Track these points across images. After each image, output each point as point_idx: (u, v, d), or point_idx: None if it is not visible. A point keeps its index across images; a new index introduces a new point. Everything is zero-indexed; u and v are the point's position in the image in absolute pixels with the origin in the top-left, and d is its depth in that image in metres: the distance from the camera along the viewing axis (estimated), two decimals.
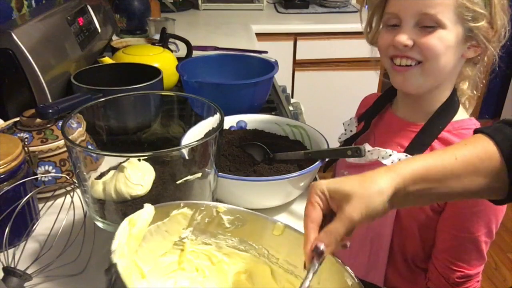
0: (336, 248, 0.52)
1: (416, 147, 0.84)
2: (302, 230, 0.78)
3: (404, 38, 0.80)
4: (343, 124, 1.03)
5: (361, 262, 0.92)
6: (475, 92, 0.89)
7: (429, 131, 0.84)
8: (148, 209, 0.55)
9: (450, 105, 0.85)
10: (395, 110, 0.94)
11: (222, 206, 0.61)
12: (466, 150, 0.56)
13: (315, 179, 1.10)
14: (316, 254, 0.51)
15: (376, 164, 0.86)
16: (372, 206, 0.52)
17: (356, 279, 0.51)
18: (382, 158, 0.85)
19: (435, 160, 0.55)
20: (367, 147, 0.89)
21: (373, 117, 0.97)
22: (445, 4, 0.77)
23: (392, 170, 0.55)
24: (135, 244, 0.54)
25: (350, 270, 0.52)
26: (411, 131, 0.87)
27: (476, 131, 0.59)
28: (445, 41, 0.78)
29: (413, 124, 0.88)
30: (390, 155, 0.85)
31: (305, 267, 0.52)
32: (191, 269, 0.62)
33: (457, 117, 0.85)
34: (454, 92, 0.86)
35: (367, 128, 0.97)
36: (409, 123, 0.89)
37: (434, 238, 0.87)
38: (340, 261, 0.54)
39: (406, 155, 0.83)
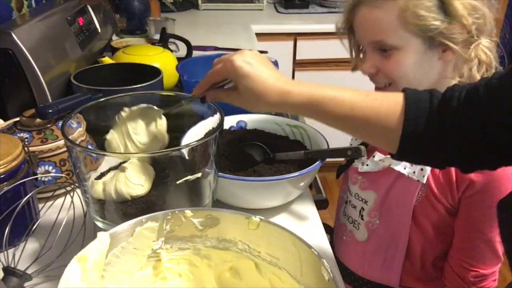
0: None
1: None
2: (301, 232, 0.79)
3: (367, 67, 0.82)
4: None
5: (376, 264, 0.92)
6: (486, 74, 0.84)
7: None
8: (102, 238, 0.54)
9: None
10: None
11: (188, 211, 0.59)
12: (378, 100, 0.59)
13: (315, 181, 1.11)
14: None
15: (389, 171, 0.86)
16: (260, 73, 0.63)
17: (331, 275, 0.50)
18: (395, 165, 0.85)
19: (335, 95, 0.61)
20: (378, 156, 0.89)
21: None
22: (391, 27, 0.76)
23: (295, 84, 0.63)
24: (96, 274, 0.53)
25: (326, 264, 0.51)
26: None
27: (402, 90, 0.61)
28: (404, 61, 0.78)
29: None
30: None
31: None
32: (173, 277, 0.62)
33: None
34: (461, 83, 0.84)
35: None
36: None
37: (450, 239, 0.88)
38: (316, 253, 0.53)
39: None
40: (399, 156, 0.60)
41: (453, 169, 0.80)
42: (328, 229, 1.00)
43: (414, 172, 0.83)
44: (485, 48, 0.80)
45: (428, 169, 0.82)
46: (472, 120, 0.53)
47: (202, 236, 0.61)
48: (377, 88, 0.85)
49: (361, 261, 0.96)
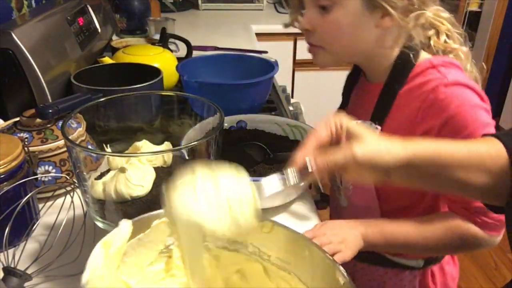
0: (323, 176, 0.55)
1: (379, 111, 0.83)
2: (301, 230, 0.79)
3: (303, 24, 0.81)
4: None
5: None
6: (448, 40, 0.84)
7: (387, 94, 0.82)
8: (125, 226, 0.54)
9: (401, 66, 0.81)
10: (365, 74, 0.92)
11: None
12: (479, 145, 0.56)
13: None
14: (303, 167, 0.54)
15: None
16: (378, 158, 0.54)
17: (347, 278, 0.50)
18: None
19: (448, 146, 0.56)
20: None
21: (349, 88, 0.96)
22: None
23: (407, 141, 0.56)
24: (115, 263, 0.53)
25: (341, 268, 0.51)
26: (375, 92, 0.85)
27: (484, 135, 0.59)
28: (340, 20, 0.77)
29: (375, 84, 0.86)
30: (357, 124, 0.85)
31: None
32: (181, 275, 0.61)
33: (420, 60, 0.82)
34: (404, 53, 0.81)
35: (346, 104, 0.96)
36: (372, 84, 0.88)
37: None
38: (331, 257, 0.53)
39: (371, 123, 0.82)
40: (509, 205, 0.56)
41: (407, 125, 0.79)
42: None
43: None
44: (437, 17, 0.81)
45: (377, 131, 0.81)
46: None
47: None
48: (309, 48, 0.84)
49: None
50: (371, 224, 0.80)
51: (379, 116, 0.82)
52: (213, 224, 0.50)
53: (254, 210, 0.52)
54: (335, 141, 0.58)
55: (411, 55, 0.80)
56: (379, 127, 0.82)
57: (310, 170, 0.54)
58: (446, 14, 0.84)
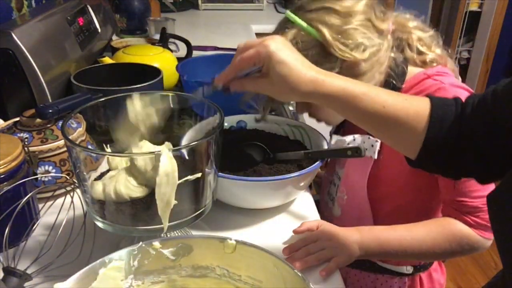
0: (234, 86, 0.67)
1: None
2: (300, 228, 0.79)
3: (299, 111, 0.90)
4: None
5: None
6: (422, 48, 0.86)
7: None
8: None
9: (394, 78, 0.84)
10: None
11: (156, 243, 0.55)
12: (406, 102, 0.59)
13: (317, 177, 1.11)
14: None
15: None
16: (294, 79, 0.61)
17: None
18: (348, 145, 0.87)
19: (375, 90, 0.61)
20: (334, 138, 0.92)
21: None
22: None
23: (332, 74, 0.63)
24: None
25: (311, 286, 0.49)
26: None
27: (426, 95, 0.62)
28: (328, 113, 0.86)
29: None
30: (354, 139, 0.87)
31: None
32: None
33: (409, 75, 0.85)
34: (393, 65, 0.84)
35: (343, 124, 0.97)
36: None
37: (414, 190, 0.88)
38: (300, 274, 0.50)
39: (369, 137, 0.84)
40: (418, 161, 0.59)
41: None
42: None
43: (366, 149, 0.84)
44: (404, 30, 0.85)
45: (377, 144, 0.84)
46: (481, 127, 0.53)
47: (175, 266, 0.57)
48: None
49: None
50: (366, 231, 0.80)
51: None
52: None
53: None
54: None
55: (400, 69, 0.84)
56: (378, 140, 0.83)
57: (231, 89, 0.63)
58: (413, 23, 0.86)
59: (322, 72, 0.62)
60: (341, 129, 0.98)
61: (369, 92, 0.60)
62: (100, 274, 0.52)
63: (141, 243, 0.55)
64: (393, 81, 0.84)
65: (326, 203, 1.01)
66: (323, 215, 1.03)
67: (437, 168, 0.62)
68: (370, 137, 0.84)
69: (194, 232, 0.79)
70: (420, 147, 0.58)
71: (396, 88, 0.83)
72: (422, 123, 0.57)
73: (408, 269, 0.94)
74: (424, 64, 0.87)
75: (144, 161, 0.65)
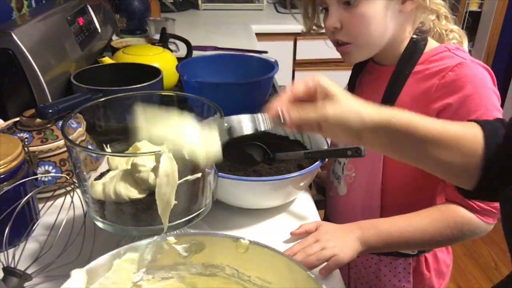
0: (292, 127, 0.59)
1: (390, 92, 0.84)
2: (298, 230, 0.79)
3: (331, 22, 0.81)
4: None
5: (356, 217, 0.89)
6: (446, 22, 0.87)
7: (399, 75, 0.84)
8: (77, 277, 0.49)
9: (413, 50, 0.84)
10: (374, 57, 0.93)
11: (171, 238, 0.55)
12: (456, 126, 0.57)
13: (316, 177, 1.11)
14: (277, 118, 0.57)
15: None
16: (347, 118, 0.56)
17: None
18: None
19: (424, 121, 0.57)
20: None
21: (357, 76, 0.97)
22: None
23: (382, 108, 0.58)
24: None
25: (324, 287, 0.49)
26: (387, 75, 0.86)
27: (469, 120, 0.60)
28: (367, 13, 0.78)
29: (386, 67, 0.88)
30: None
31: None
32: None
33: (427, 49, 0.84)
34: (417, 34, 0.84)
35: (353, 89, 0.97)
36: (383, 67, 0.89)
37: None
38: (313, 275, 0.50)
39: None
40: (477, 191, 0.57)
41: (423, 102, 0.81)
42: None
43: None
44: (434, 1, 0.83)
45: None
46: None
47: (186, 263, 0.57)
48: (340, 47, 0.85)
49: (343, 214, 0.97)
50: (366, 225, 0.80)
51: (390, 97, 0.84)
52: (194, 146, 0.57)
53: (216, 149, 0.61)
54: (311, 99, 0.59)
55: (422, 39, 0.83)
56: None
57: (282, 121, 0.57)
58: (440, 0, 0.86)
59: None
60: None
61: (417, 116, 0.57)
62: (114, 265, 0.53)
63: (156, 237, 0.55)
64: (418, 41, 0.83)
65: (332, 182, 1.01)
66: (328, 195, 1.04)
67: (492, 196, 0.58)
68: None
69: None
70: (478, 175, 0.55)
71: (420, 48, 0.83)
72: (479, 145, 0.55)
73: (413, 250, 0.93)
74: (442, 39, 0.87)
75: (147, 173, 0.65)
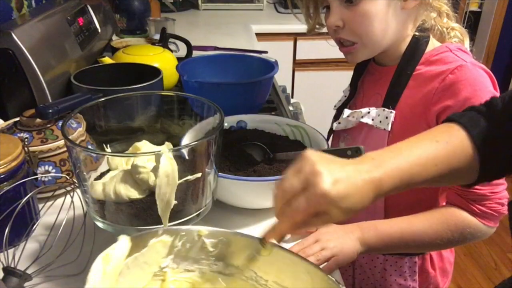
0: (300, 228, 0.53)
1: (392, 93, 0.84)
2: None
3: (332, 20, 0.81)
4: (343, 91, 1.03)
5: (360, 218, 0.87)
6: (447, 20, 0.87)
7: (400, 76, 0.84)
8: (124, 242, 0.52)
9: (415, 49, 0.84)
10: (375, 58, 0.93)
11: (204, 229, 0.57)
12: (441, 138, 0.56)
13: None
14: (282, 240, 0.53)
15: (362, 125, 0.88)
16: (353, 187, 0.51)
17: None
18: (362, 118, 0.86)
19: (414, 152, 0.54)
20: (346, 112, 0.90)
21: (359, 77, 0.97)
22: None
23: (379, 166, 0.52)
24: (111, 282, 0.51)
25: None
26: (388, 75, 0.86)
27: (450, 119, 0.58)
28: (370, 11, 0.78)
29: (387, 68, 0.88)
30: (368, 112, 0.86)
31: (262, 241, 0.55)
32: None
33: (428, 49, 0.84)
34: (416, 37, 0.84)
35: (354, 91, 0.97)
36: (384, 68, 0.89)
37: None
38: (334, 279, 0.50)
39: (384, 109, 0.84)
40: (483, 174, 0.57)
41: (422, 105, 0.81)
42: None
43: (380, 121, 0.84)
44: None
45: (391, 116, 0.83)
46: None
47: (209, 259, 0.58)
48: (344, 47, 0.84)
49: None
50: (366, 226, 0.80)
51: (392, 98, 0.84)
52: None
53: None
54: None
55: (424, 37, 0.83)
56: (393, 111, 0.83)
57: (286, 238, 0.52)
58: None
59: (372, 167, 0.51)
60: (348, 104, 0.97)
61: (420, 157, 0.54)
62: (149, 244, 0.54)
63: (189, 225, 0.57)
64: (419, 40, 0.83)
65: None
66: None
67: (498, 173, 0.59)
68: (385, 109, 0.84)
69: None
70: (479, 164, 0.56)
71: (422, 48, 0.83)
72: (467, 144, 0.55)
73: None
74: (443, 37, 0.86)
75: (147, 174, 0.65)
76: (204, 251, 0.58)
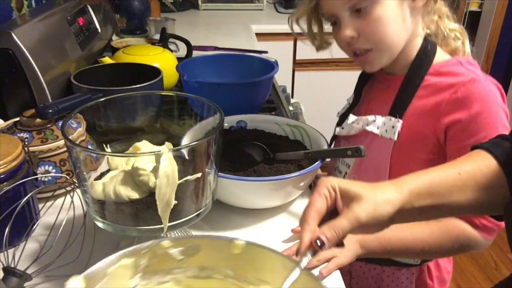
0: (333, 245, 0.52)
1: (399, 102, 0.84)
2: (298, 228, 0.79)
3: (347, 33, 0.80)
4: (347, 100, 1.03)
5: None
6: (449, 22, 0.87)
7: (407, 88, 0.84)
8: (76, 283, 0.48)
9: (423, 58, 0.84)
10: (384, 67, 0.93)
11: (166, 242, 0.54)
12: (468, 165, 0.56)
13: (316, 177, 1.11)
14: (316, 246, 0.51)
15: (365, 133, 0.88)
16: (379, 212, 0.53)
17: None
18: (367, 125, 0.87)
19: (439, 175, 0.56)
20: (351, 117, 0.90)
21: (364, 84, 0.97)
22: None
23: (399, 184, 0.55)
24: None
25: (324, 285, 0.49)
26: (396, 84, 0.86)
27: (474, 147, 0.59)
28: (382, 17, 0.78)
29: (396, 77, 0.88)
30: (374, 120, 0.86)
31: (297, 254, 0.51)
32: None
33: (437, 60, 0.84)
34: (426, 40, 0.85)
35: (358, 97, 0.97)
36: (393, 77, 0.89)
37: None
38: (311, 273, 0.50)
39: (391, 118, 0.84)
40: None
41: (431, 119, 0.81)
42: None
43: (386, 130, 0.84)
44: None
45: (398, 125, 0.83)
46: None
47: (182, 266, 0.56)
48: (360, 57, 0.84)
49: None
50: None
51: (400, 107, 0.84)
52: None
53: None
54: (331, 208, 0.55)
55: (431, 45, 0.84)
56: (400, 120, 0.83)
57: (325, 248, 0.52)
58: (446, 9, 0.87)
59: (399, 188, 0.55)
60: (351, 111, 0.97)
61: (447, 175, 0.56)
62: (109, 272, 0.51)
63: (151, 241, 0.54)
64: (427, 48, 0.83)
65: None
66: None
67: None
68: (392, 117, 0.84)
69: (194, 232, 0.79)
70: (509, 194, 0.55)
71: (430, 57, 0.83)
72: (497, 175, 0.55)
73: (416, 260, 0.93)
74: (446, 40, 0.87)
75: (147, 176, 0.65)
76: (175, 261, 0.56)
